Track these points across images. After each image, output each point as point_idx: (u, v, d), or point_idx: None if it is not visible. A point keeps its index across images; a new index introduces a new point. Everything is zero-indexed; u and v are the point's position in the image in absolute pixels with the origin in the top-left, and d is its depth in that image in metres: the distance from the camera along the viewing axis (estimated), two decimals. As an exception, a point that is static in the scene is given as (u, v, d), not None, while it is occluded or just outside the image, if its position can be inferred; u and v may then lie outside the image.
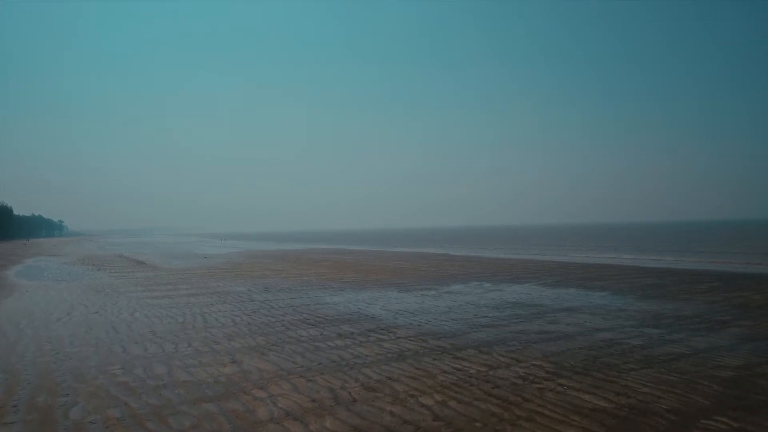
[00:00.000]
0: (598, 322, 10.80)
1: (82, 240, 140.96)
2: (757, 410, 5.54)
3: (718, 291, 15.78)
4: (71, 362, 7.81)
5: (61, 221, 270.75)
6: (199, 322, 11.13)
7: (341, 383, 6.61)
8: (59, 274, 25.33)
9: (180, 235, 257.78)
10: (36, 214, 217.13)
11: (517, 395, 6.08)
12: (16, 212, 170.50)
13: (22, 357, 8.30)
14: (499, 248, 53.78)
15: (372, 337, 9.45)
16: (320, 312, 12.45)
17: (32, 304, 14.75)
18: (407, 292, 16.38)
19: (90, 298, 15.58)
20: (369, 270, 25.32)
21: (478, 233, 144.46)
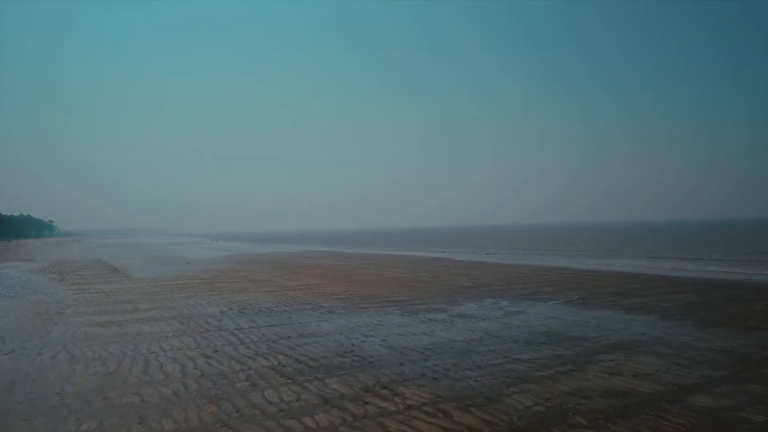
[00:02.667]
0: (673, 370, 8.00)
1: (70, 241, 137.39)
2: None
3: (787, 314, 13.06)
4: None
5: (51, 221, 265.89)
6: (135, 373, 8.24)
7: None
8: (11, 287, 22.32)
9: (175, 235, 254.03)
10: (25, 214, 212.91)
11: None
12: (4, 212, 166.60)
13: None
14: (503, 251, 51.09)
15: (370, 405, 6.60)
16: (302, 351, 9.59)
17: (-55, 334, 11.81)
18: (411, 314, 13.54)
19: (19, 327, 12.63)
20: (365, 281, 22.47)
21: (477, 234, 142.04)
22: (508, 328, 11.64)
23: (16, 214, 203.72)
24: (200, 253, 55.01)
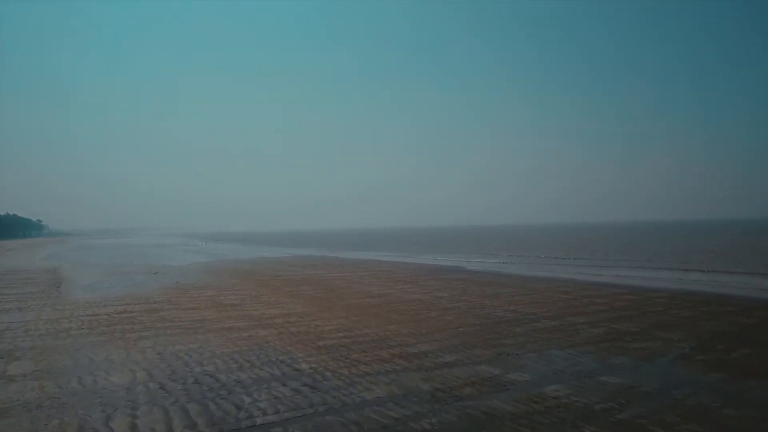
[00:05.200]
0: None
1: (53, 242, 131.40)
2: None
3: None
4: None
5: (39, 221, 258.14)
6: None
7: None
8: None
9: (170, 235, 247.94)
10: (11, 213, 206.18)
11: None
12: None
13: None
14: (519, 258, 45.41)
15: None
16: None
17: None
18: (450, 397, 7.82)
19: None
20: (367, 307, 16.77)
21: (481, 235, 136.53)
22: (652, 449, 5.95)
23: (2, 213, 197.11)
24: (180, 258, 49.24)
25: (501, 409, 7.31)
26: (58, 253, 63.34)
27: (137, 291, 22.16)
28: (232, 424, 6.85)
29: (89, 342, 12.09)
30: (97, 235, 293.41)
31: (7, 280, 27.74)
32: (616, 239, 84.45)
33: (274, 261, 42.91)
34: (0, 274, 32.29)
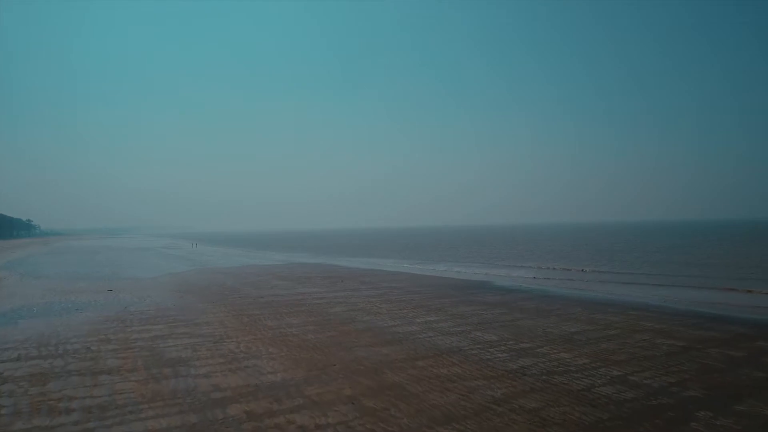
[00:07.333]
0: None
1: (33, 244, 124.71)
2: None
3: None
4: None
5: (29, 221, 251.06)
6: None
7: None
8: None
9: (160, 236, 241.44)
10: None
11: None
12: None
13: None
14: (542, 270, 39.28)
15: None
16: None
17: None
18: None
19: None
20: (383, 368, 10.56)
21: (478, 236, 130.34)
22: None
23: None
24: (155, 266, 42.95)
25: None
26: (24, 259, 56.90)
27: (58, 326, 15.94)
28: None
29: None
30: (89, 234, 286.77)
31: None
32: (626, 243, 78.37)
33: (262, 272, 36.64)
34: None
